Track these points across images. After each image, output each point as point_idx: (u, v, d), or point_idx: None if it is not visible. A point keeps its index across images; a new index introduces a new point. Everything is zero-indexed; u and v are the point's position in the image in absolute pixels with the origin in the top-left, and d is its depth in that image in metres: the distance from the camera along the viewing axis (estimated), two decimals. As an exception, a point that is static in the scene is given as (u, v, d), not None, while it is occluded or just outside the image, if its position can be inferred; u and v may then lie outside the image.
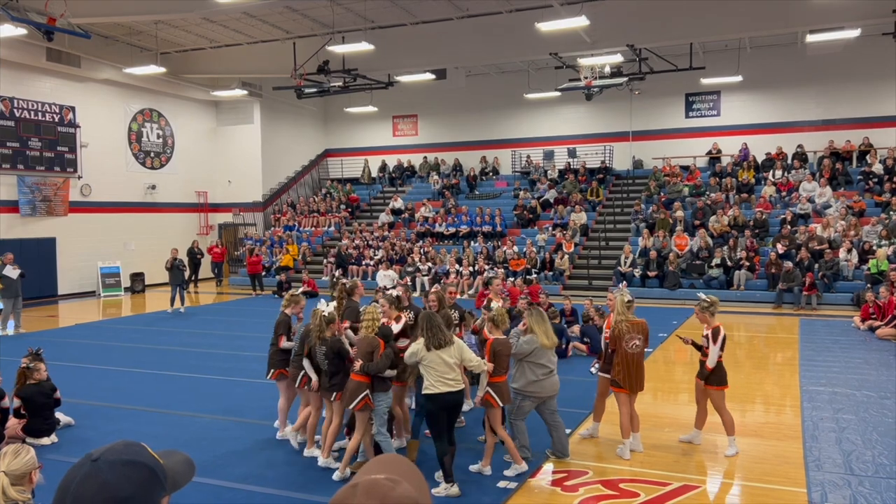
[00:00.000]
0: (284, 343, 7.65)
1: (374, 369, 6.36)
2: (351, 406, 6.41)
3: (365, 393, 6.38)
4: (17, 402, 7.79)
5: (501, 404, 6.52)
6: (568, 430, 7.94)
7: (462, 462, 6.72)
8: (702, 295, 7.64)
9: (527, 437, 6.96)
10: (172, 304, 18.70)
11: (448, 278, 20.90)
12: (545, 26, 16.95)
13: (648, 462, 6.99)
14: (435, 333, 6.16)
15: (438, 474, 6.35)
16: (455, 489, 6.22)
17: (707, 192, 23.26)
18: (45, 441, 7.71)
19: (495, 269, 20.97)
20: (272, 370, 7.78)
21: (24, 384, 7.87)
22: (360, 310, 7.32)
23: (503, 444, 6.69)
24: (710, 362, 7.17)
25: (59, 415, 8.21)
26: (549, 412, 7.09)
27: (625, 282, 9.20)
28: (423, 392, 6.27)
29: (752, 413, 9.08)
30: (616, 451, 7.21)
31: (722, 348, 7.19)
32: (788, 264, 18.21)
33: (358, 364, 6.41)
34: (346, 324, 7.71)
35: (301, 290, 8.13)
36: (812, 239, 19.31)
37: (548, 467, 6.91)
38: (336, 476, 6.55)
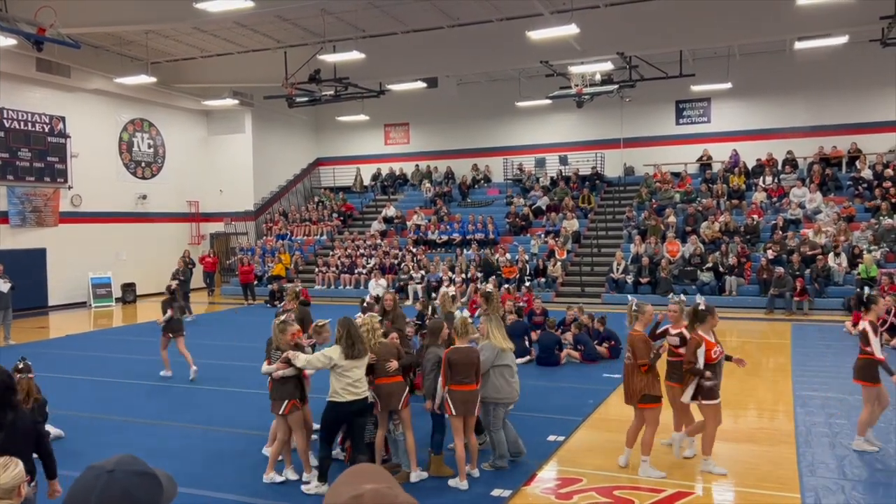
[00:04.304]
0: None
1: (412, 361, 6.73)
2: (400, 406, 6.62)
3: (407, 389, 6.71)
4: None
5: (455, 412, 6.47)
6: (561, 438, 7.94)
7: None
8: (700, 299, 7.33)
9: (505, 448, 6.97)
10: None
11: (443, 286, 20.92)
12: (536, 35, 17.01)
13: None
14: (355, 343, 6.29)
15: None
16: (325, 489, 6.44)
17: (698, 199, 23.35)
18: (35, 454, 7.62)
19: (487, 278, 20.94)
20: None
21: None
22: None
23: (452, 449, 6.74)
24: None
25: (48, 427, 8.12)
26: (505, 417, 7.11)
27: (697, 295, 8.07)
28: (329, 399, 6.37)
29: (746, 419, 9.09)
30: (641, 472, 6.83)
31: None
32: (780, 270, 18.28)
33: (393, 364, 6.63)
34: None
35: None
36: (804, 244, 19.41)
37: (542, 474, 6.89)
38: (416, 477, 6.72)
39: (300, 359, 6.44)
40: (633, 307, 7.00)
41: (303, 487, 6.54)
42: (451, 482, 6.56)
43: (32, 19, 14.41)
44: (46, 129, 22.07)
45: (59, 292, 22.37)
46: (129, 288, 24.06)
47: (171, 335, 11.54)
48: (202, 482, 6.69)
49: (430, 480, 6.72)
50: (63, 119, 22.59)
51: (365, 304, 9.79)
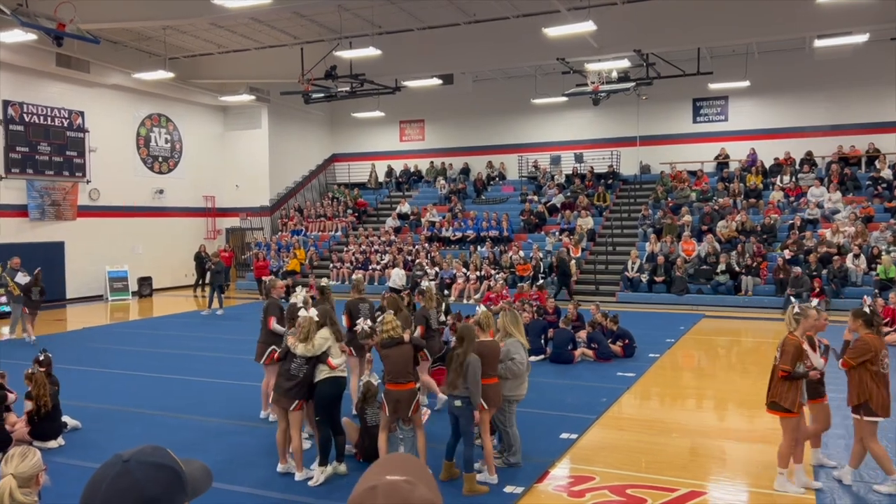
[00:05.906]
0: (274, 325, 8.46)
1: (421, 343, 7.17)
2: (409, 414, 6.60)
3: (417, 397, 6.73)
4: (29, 406, 7.77)
5: (487, 407, 6.46)
6: (574, 436, 7.92)
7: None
8: (870, 300, 7.28)
9: (520, 443, 6.97)
10: (210, 305, 19.35)
11: (456, 283, 21.02)
12: (552, 31, 16.96)
13: (656, 468, 6.96)
14: (337, 327, 6.86)
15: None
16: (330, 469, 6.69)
17: (715, 198, 23.17)
18: (53, 444, 7.72)
19: (499, 273, 20.92)
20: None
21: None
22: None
23: (482, 449, 6.64)
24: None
25: (65, 418, 8.22)
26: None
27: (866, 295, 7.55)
28: (331, 375, 6.61)
29: (761, 419, 9.00)
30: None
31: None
32: (797, 269, 18.12)
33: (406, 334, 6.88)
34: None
35: (305, 292, 8.29)
36: (822, 244, 19.22)
37: (555, 472, 6.89)
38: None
39: (305, 345, 6.57)
40: (796, 310, 6.61)
41: (310, 483, 6.57)
42: (480, 476, 6.54)
43: (52, 15, 14.57)
44: (65, 124, 22.28)
45: (77, 285, 22.59)
46: (145, 282, 24.27)
47: (27, 310, 14.67)
48: (220, 475, 6.72)
49: (436, 476, 6.73)
50: (82, 114, 22.80)
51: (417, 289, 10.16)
